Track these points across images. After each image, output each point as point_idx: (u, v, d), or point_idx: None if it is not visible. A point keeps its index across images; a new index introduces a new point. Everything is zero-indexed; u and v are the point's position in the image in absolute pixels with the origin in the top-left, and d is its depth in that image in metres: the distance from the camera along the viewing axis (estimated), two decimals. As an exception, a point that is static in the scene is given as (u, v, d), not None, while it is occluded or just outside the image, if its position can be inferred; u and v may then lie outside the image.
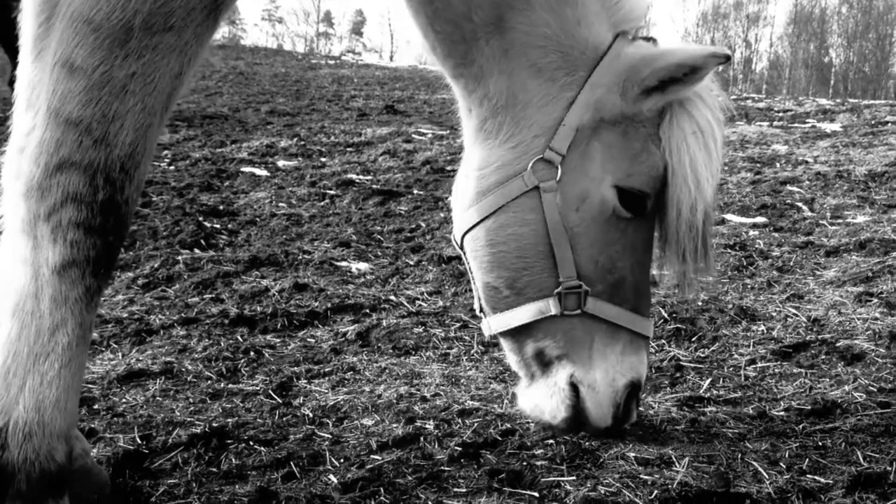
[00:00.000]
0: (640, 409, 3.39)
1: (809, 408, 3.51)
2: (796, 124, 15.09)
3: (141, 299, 5.24)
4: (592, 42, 2.91)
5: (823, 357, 4.04)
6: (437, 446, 3.23)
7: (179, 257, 6.01)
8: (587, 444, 3.17)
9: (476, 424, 3.41)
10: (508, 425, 3.39)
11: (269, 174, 10.13)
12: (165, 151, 11.50)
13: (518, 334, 3.05)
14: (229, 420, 3.47)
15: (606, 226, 2.94)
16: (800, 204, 7.96)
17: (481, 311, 3.18)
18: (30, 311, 2.16)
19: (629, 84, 2.89)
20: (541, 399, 3.07)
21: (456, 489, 2.91)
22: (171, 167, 10.38)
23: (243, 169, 10.29)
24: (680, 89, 2.91)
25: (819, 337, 4.26)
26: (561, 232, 2.89)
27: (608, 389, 2.99)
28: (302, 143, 12.57)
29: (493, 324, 3.09)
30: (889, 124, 14.02)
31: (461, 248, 3.15)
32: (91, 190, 2.11)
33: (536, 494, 2.85)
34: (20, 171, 2.17)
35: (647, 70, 2.87)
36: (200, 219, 7.29)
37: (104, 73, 2.07)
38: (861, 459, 3.04)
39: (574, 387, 3.00)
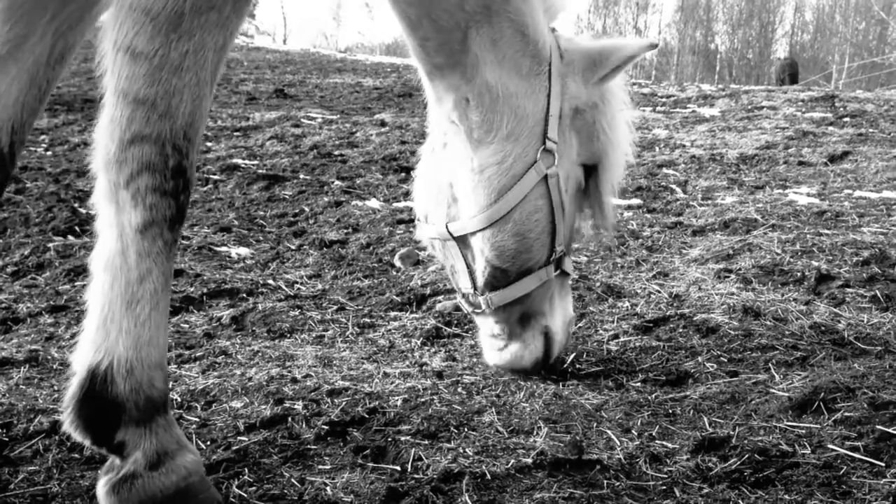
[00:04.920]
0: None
1: (664, 378, 3.69)
2: (678, 109, 15.58)
3: (9, 288, 5.10)
4: (543, 33, 3.22)
5: (681, 330, 4.25)
6: (304, 426, 3.27)
7: (51, 244, 5.86)
8: (450, 419, 3.27)
9: (344, 403, 3.47)
10: (377, 403, 3.46)
11: (151, 159, 9.89)
12: (43, 136, 11.14)
13: (514, 303, 3.42)
14: (94, 406, 3.42)
15: (575, 197, 3.48)
16: (674, 186, 8.26)
17: (475, 289, 3.47)
18: (119, 265, 2.40)
19: (590, 74, 3.31)
20: (519, 350, 3.51)
21: (321, 466, 2.96)
22: (48, 152, 10.07)
23: (124, 154, 10.02)
24: (616, 75, 3.37)
25: (678, 312, 4.46)
26: (561, 211, 3.34)
27: (565, 329, 3.57)
28: (187, 127, 12.30)
29: (495, 299, 3.41)
30: (764, 109, 14.62)
31: (460, 242, 3.42)
32: (162, 158, 2.34)
33: (398, 468, 2.93)
34: (96, 145, 2.39)
35: (607, 62, 3.29)
36: (76, 205, 7.10)
37: (163, 55, 2.27)
38: (707, 425, 3.22)
39: (545, 335, 3.50)
